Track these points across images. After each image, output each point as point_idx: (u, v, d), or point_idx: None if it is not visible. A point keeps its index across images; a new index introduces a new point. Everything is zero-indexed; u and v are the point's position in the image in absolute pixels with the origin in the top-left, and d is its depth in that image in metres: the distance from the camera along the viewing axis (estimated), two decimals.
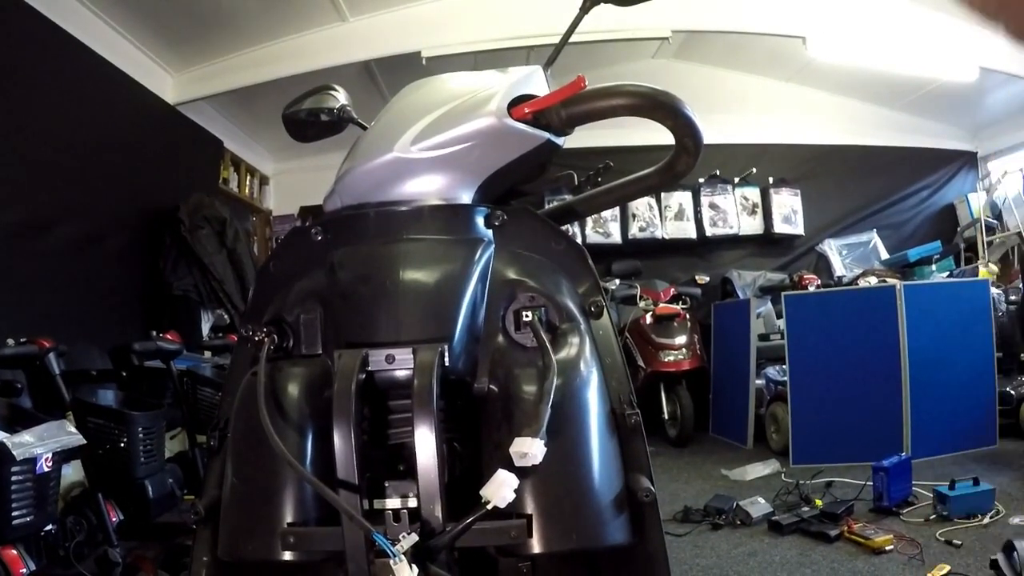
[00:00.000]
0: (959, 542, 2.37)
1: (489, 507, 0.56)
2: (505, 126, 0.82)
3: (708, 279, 5.73)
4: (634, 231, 5.69)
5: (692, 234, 5.75)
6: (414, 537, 0.64)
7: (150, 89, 4.06)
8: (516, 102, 0.85)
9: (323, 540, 0.72)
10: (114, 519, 2.28)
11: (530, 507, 0.71)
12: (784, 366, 3.94)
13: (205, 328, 4.17)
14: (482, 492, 0.56)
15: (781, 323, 4.36)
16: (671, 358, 4.54)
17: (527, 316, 0.82)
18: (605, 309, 0.89)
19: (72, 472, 2.32)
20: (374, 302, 0.78)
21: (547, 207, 1.04)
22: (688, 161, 0.90)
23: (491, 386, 0.80)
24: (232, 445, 0.80)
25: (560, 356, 0.78)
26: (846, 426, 3.64)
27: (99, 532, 2.23)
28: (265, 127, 5.33)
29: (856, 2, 4.30)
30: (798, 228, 5.89)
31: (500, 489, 0.57)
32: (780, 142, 5.94)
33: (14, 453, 1.82)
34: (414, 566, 0.63)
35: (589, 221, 5.65)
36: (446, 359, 0.73)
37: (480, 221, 0.85)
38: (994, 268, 4.95)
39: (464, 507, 0.70)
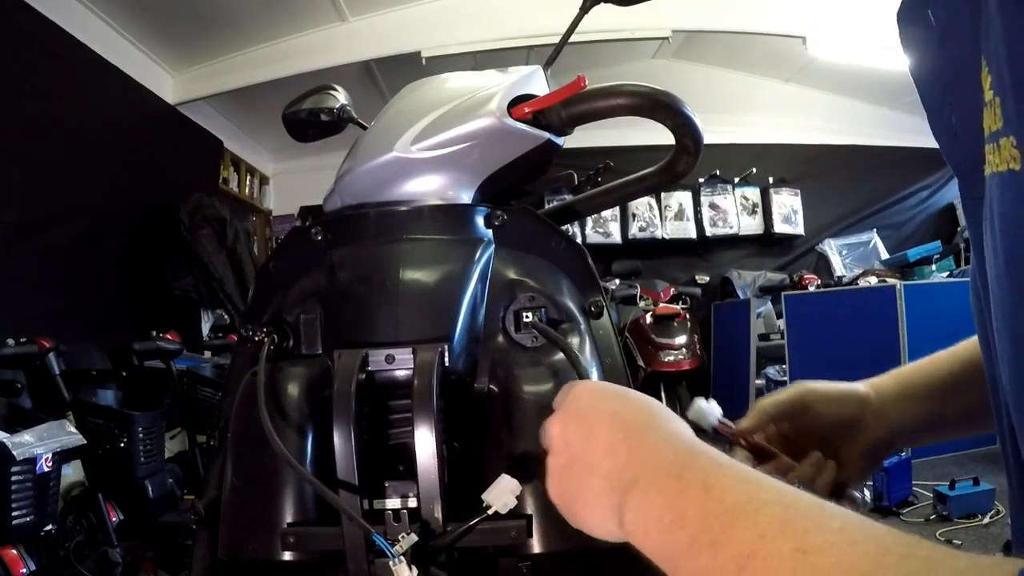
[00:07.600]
0: (959, 542, 2.37)
1: (491, 512, 0.56)
2: (505, 126, 0.82)
3: (708, 279, 5.73)
4: (634, 231, 5.69)
5: (692, 234, 5.75)
6: (413, 537, 0.64)
7: (150, 89, 4.07)
8: (516, 102, 0.85)
9: (323, 540, 0.72)
10: (114, 519, 2.29)
11: (530, 507, 0.71)
12: (784, 366, 3.94)
13: (205, 328, 4.17)
14: (484, 496, 0.56)
15: (781, 323, 4.36)
16: (671, 358, 4.54)
17: (527, 316, 0.82)
18: (605, 309, 0.89)
19: (72, 472, 2.32)
20: (374, 302, 0.78)
21: (547, 207, 1.04)
22: (688, 161, 0.90)
23: (491, 386, 0.80)
24: (232, 445, 0.80)
25: (560, 356, 0.78)
26: None
27: (99, 532, 2.23)
28: (265, 127, 5.33)
29: (856, 2, 4.30)
30: (798, 228, 5.89)
31: (502, 495, 0.57)
32: (780, 142, 5.94)
33: (14, 453, 1.82)
34: (413, 567, 0.63)
35: (589, 221, 5.65)
36: (446, 359, 0.73)
37: (480, 221, 0.85)
38: None
39: (464, 507, 0.70)
